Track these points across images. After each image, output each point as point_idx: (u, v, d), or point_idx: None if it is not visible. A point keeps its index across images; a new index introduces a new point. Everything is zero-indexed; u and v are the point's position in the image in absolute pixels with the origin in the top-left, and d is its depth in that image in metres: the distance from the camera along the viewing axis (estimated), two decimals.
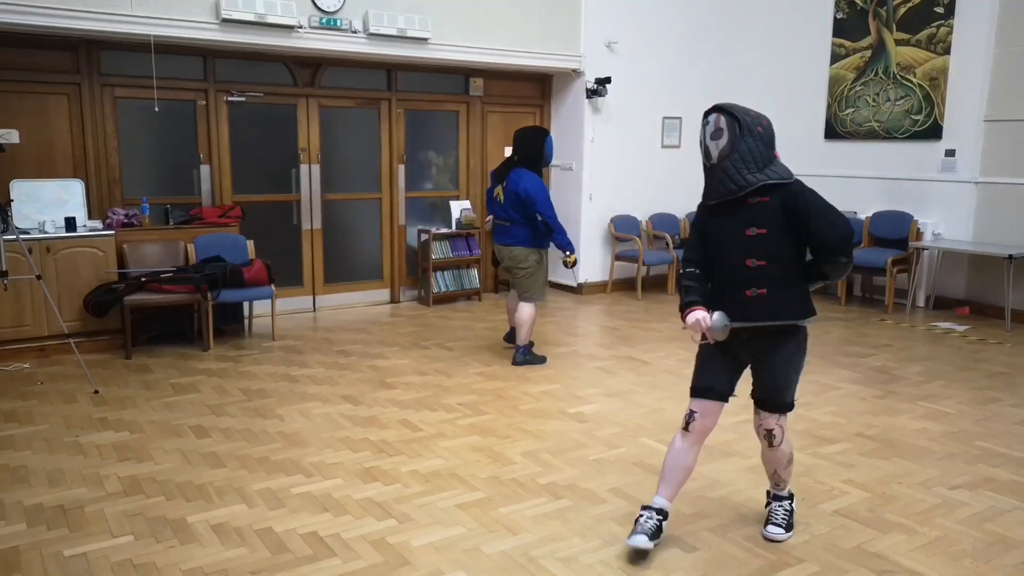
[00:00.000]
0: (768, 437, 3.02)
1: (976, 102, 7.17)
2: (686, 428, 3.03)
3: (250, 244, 6.38)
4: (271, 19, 6.05)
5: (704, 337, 2.94)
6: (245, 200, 6.80)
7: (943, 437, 4.25)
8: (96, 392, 4.87)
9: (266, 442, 4.10)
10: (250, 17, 5.98)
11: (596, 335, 6.63)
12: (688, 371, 5.35)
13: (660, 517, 3.02)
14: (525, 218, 5.32)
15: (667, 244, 8.23)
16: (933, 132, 7.45)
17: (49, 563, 2.89)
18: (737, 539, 3.12)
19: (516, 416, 4.52)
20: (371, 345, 6.10)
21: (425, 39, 6.83)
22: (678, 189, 8.69)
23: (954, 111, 7.34)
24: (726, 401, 3.03)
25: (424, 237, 7.61)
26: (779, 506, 3.18)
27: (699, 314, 2.91)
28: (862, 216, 7.84)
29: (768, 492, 3.24)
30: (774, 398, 2.98)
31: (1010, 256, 6.64)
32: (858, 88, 8.07)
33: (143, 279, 5.72)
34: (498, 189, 5.45)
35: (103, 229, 5.84)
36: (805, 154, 8.33)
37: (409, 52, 6.86)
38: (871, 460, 3.90)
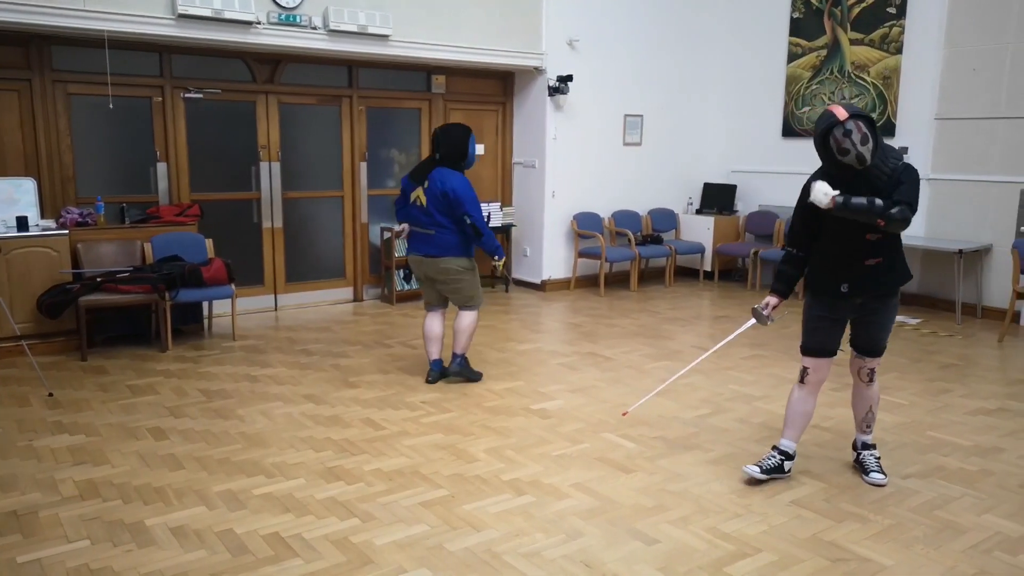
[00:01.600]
0: (871, 375, 3.60)
1: (927, 101, 7.35)
2: (802, 382, 3.59)
3: (209, 243, 6.29)
4: (228, 15, 5.97)
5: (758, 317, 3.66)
6: (203, 198, 6.71)
7: (896, 428, 4.36)
8: (50, 395, 4.77)
9: (227, 443, 4.05)
10: (207, 13, 5.89)
11: (559, 332, 6.66)
12: (650, 366, 5.43)
13: (783, 457, 3.61)
14: (454, 223, 4.79)
15: (629, 241, 8.30)
16: (886, 130, 7.62)
17: (2, 570, 2.83)
18: (697, 531, 3.17)
19: (479, 413, 4.53)
20: (334, 344, 6.06)
21: (386, 36, 6.79)
22: (640, 186, 8.77)
23: (906, 109, 7.51)
24: (835, 355, 3.56)
25: (387, 235, 7.58)
26: (870, 454, 3.69)
27: (761, 302, 3.69)
28: None
29: (855, 444, 3.76)
30: (878, 346, 3.54)
31: (960, 251, 6.82)
32: (814, 87, 8.21)
33: (99, 279, 5.61)
34: (417, 192, 4.87)
35: (56, 228, 5.71)
36: (763, 152, 8.45)
37: (370, 49, 6.82)
38: (827, 451, 3.99)
